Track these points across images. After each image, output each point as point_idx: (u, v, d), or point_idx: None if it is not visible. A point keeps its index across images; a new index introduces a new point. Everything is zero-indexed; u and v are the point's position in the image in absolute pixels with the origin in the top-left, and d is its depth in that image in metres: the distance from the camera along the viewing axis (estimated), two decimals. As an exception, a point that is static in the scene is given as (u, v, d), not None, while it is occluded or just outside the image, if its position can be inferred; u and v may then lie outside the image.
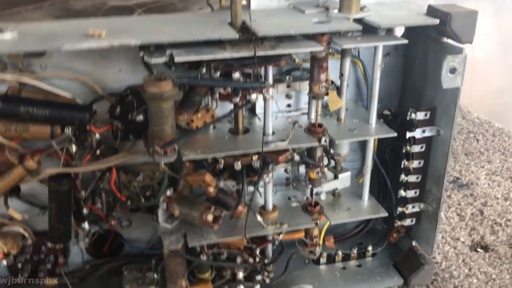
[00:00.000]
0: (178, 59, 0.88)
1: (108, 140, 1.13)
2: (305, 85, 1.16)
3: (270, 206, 1.13)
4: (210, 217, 1.04)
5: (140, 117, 1.09)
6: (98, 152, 1.10)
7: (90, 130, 1.07)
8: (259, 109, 1.15)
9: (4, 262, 1.18)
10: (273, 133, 1.06)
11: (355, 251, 1.33)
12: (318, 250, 1.19)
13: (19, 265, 1.19)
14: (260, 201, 1.16)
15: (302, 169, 1.14)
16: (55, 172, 1.06)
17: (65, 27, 0.96)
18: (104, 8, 3.55)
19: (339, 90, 1.11)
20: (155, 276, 1.18)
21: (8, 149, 1.02)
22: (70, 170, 1.07)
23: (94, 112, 1.04)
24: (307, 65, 1.07)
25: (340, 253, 1.33)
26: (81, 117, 1.00)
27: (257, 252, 1.14)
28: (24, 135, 1.02)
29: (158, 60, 0.89)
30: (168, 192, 1.09)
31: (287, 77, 1.14)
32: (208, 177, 1.01)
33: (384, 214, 1.18)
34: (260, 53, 0.91)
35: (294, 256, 1.24)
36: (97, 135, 1.08)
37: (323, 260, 1.32)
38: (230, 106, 1.07)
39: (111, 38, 0.87)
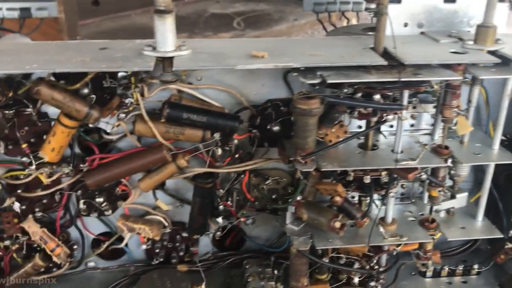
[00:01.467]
0: (330, 80, 0.99)
1: (245, 146, 1.25)
2: (428, 107, 1.23)
3: (390, 219, 1.21)
4: (337, 224, 1.13)
5: (277, 128, 1.21)
6: (236, 156, 1.23)
7: (232, 136, 1.20)
8: (383, 127, 1.23)
9: (144, 247, 1.35)
10: (401, 151, 1.14)
11: (460, 268, 1.38)
12: (430, 263, 1.26)
13: (156, 251, 1.34)
14: (374, 212, 1.25)
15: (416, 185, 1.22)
16: (202, 171, 1.20)
17: (227, 47, 1.09)
18: (205, 15, 3.77)
19: (465, 116, 1.17)
20: (275, 272, 1.29)
21: (164, 148, 1.17)
22: (215, 170, 1.20)
23: (241, 121, 1.17)
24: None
25: (446, 268, 1.38)
26: (232, 126, 1.13)
27: (375, 260, 1.22)
28: (180, 137, 1.17)
29: (312, 81, 1.00)
30: (298, 197, 1.19)
31: (414, 99, 1.22)
32: (340, 188, 1.12)
33: (499, 235, 1.23)
34: (404, 79, 1.00)
35: (402, 267, 1.32)
36: (236, 141, 1.21)
37: (429, 273, 1.38)
38: (357, 123, 1.17)
39: (273, 60, 0.99)
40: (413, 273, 1.39)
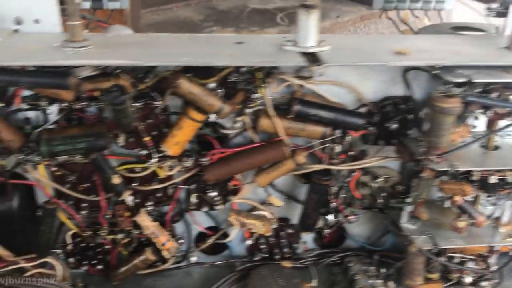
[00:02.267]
0: (476, 80, 0.98)
1: (356, 143, 1.25)
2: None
3: (506, 219, 1.21)
4: (461, 224, 1.13)
5: (395, 126, 1.20)
6: (351, 153, 1.23)
7: (348, 133, 1.20)
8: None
9: (249, 242, 1.34)
10: (526, 151, 1.13)
11: None
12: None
13: (262, 246, 1.33)
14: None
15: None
16: (321, 168, 1.20)
17: (362, 43, 1.08)
18: (246, 10, 3.75)
19: None
20: (381, 270, 1.29)
21: (284, 144, 1.16)
22: (334, 167, 1.20)
23: (366, 119, 1.16)
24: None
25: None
26: (358, 123, 1.13)
27: (490, 260, 1.22)
28: (300, 133, 1.16)
29: (457, 79, 1.00)
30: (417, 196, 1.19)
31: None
32: (468, 188, 1.11)
33: None
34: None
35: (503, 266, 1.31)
36: (350, 138, 1.21)
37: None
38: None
39: (418, 57, 0.98)
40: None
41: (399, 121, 1.20)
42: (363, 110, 1.20)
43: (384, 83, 1.20)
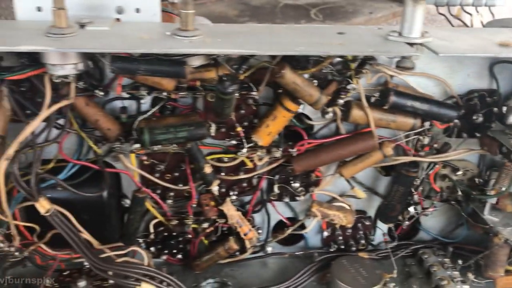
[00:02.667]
0: None
1: (438, 135, 1.25)
2: None
3: None
4: (550, 216, 1.14)
5: (480, 119, 1.21)
6: (435, 145, 1.24)
7: (433, 124, 1.20)
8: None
9: (325, 234, 1.35)
10: None
11: None
12: None
13: (340, 238, 1.34)
14: None
15: None
16: (409, 160, 1.20)
17: (457, 35, 1.08)
18: (279, 6, 3.76)
19: None
20: (459, 262, 1.30)
21: (374, 136, 1.17)
22: (421, 159, 1.21)
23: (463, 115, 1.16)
24: None
25: None
26: (452, 115, 1.13)
27: None
28: (391, 125, 1.17)
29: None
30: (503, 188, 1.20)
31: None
32: (560, 180, 1.12)
33: None
34: None
35: None
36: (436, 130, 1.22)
37: None
38: None
39: None
40: None
41: (484, 114, 1.21)
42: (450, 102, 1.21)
43: (470, 76, 1.21)
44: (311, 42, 0.97)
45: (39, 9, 1.05)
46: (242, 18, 3.30)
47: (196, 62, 0.97)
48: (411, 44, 1.01)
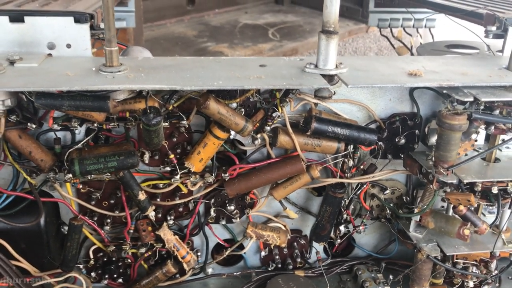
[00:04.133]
0: (483, 99, 1.07)
1: (366, 157, 1.32)
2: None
3: (505, 226, 1.30)
4: (467, 232, 1.21)
5: (403, 141, 1.28)
6: (361, 167, 1.30)
7: (359, 147, 1.27)
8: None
9: (263, 253, 1.40)
10: (524, 164, 1.23)
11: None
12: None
13: (276, 257, 1.40)
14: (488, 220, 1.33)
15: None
16: (335, 181, 1.27)
17: (376, 64, 1.16)
18: (238, 26, 3.83)
19: None
20: (390, 277, 1.37)
21: (301, 159, 1.23)
22: (347, 180, 1.27)
23: (379, 135, 1.24)
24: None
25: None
26: (371, 139, 1.20)
27: (492, 265, 1.30)
28: (316, 149, 1.23)
29: (466, 98, 1.08)
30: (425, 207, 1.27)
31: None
32: (472, 198, 1.19)
33: None
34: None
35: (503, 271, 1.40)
36: (360, 152, 1.29)
37: (526, 277, 1.47)
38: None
39: (432, 79, 1.06)
40: (510, 277, 1.47)
41: (406, 136, 1.28)
42: (373, 126, 1.28)
43: (392, 101, 1.29)
44: (231, 76, 1.03)
45: (-31, 46, 1.09)
46: (201, 38, 3.36)
47: (120, 96, 1.02)
48: (326, 76, 1.07)
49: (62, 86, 0.92)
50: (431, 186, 1.21)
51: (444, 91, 1.13)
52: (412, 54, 2.12)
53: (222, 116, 1.10)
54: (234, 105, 1.16)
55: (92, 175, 1.13)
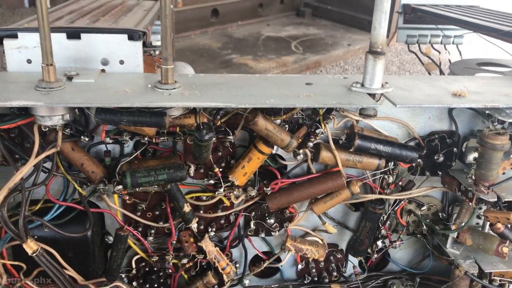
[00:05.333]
0: (528, 119, 1.09)
1: (404, 173, 1.35)
2: None
3: (542, 244, 1.31)
4: (505, 249, 1.23)
5: (441, 159, 1.30)
6: (400, 183, 1.33)
7: (398, 164, 1.30)
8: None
9: (299, 266, 1.43)
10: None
11: None
12: None
13: (313, 270, 1.42)
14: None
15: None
16: (375, 197, 1.29)
17: (420, 85, 1.18)
18: (261, 38, 3.88)
19: None
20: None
21: (342, 175, 1.26)
22: (387, 196, 1.30)
23: (421, 152, 1.26)
24: None
25: None
26: (413, 156, 1.22)
27: (528, 283, 1.32)
28: (358, 165, 1.26)
29: (508, 119, 1.10)
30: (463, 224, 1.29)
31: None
32: (511, 216, 1.21)
33: None
34: None
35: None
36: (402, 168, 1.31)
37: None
38: None
39: (476, 100, 1.09)
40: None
41: (444, 154, 1.30)
42: (413, 144, 1.30)
43: (431, 119, 1.31)
44: (281, 94, 1.06)
45: (29, 61, 1.13)
46: (226, 50, 3.40)
47: (175, 112, 1.05)
48: (372, 95, 1.10)
49: (123, 103, 0.96)
50: (470, 203, 1.23)
51: (486, 111, 1.15)
52: (440, 70, 2.14)
53: (269, 132, 1.14)
54: (279, 121, 1.20)
55: (141, 187, 1.17)
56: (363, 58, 3.59)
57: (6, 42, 1.11)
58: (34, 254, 1.08)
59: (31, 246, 1.07)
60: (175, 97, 1.00)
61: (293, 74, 3.09)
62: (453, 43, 2.22)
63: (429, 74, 2.25)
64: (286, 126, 1.21)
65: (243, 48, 3.43)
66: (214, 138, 1.17)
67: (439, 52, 2.22)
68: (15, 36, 1.11)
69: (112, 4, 1.72)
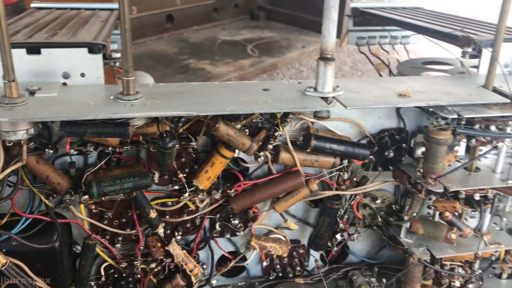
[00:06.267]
0: (466, 116, 1.19)
1: (358, 170, 1.43)
2: None
3: (486, 229, 1.42)
4: (453, 236, 1.33)
5: (392, 154, 1.40)
6: (354, 179, 1.41)
7: (352, 161, 1.38)
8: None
9: (264, 264, 1.49)
10: (501, 172, 1.35)
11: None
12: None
13: (277, 267, 1.48)
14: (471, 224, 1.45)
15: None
16: (331, 194, 1.37)
17: (369, 87, 1.27)
18: (218, 42, 3.92)
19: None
20: (384, 280, 1.47)
21: (301, 174, 1.33)
22: (343, 192, 1.37)
23: (372, 149, 1.34)
24: None
25: (519, 271, 1.60)
26: (365, 154, 1.31)
27: (476, 265, 1.42)
28: (315, 164, 1.33)
29: (450, 116, 1.20)
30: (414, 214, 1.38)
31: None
32: (458, 205, 1.31)
33: None
34: (521, 113, 1.21)
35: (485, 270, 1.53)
36: (353, 166, 1.39)
37: (504, 275, 1.59)
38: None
39: (420, 99, 1.18)
40: (490, 276, 1.60)
41: (395, 150, 1.39)
42: (364, 141, 1.38)
43: (381, 117, 1.40)
44: (240, 100, 1.12)
45: (-12, 77, 1.14)
46: (182, 55, 3.43)
47: (138, 122, 1.09)
48: (325, 98, 1.18)
49: (88, 115, 0.99)
50: (419, 195, 1.33)
51: (430, 109, 1.25)
52: (390, 69, 2.26)
53: (230, 137, 1.19)
54: (239, 126, 1.25)
55: (108, 196, 1.20)
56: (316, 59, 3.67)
57: (-36, 59, 1.12)
58: (3, 268, 1.09)
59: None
60: (138, 108, 1.04)
61: (251, 77, 3.15)
62: (400, 43, 2.34)
63: (379, 73, 2.36)
64: (247, 130, 1.27)
65: (199, 53, 3.47)
66: (177, 145, 1.22)
67: (388, 52, 2.33)
68: (-26, 53, 1.12)
69: (68, 15, 1.73)
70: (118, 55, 1.23)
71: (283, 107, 1.10)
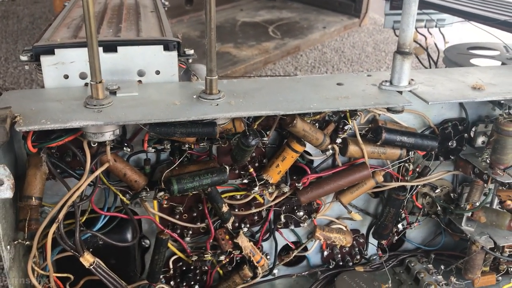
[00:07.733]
0: (540, 108, 1.20)
1: (419, 160, 1.44)
2: None
3: (546, 216, 1.44)
4: (517, 224, 1.35)
5: (454, 144, 1.41)
6: (417, 169, 1.42)
7: (415, 152, 1.39)
8: None
9: (325, 253, 1.51)
10: None
11: None
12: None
13: (339, 256, 1.51)
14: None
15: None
16: (397, 185, 1.38)
17: (440, 79, 1.26)
18: (238, 24, 3.87)
19: None
20: (442, 267, 1.50)
21: (368, 167, 1.34)
22: (408, 183, 1.39)
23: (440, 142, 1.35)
24: None
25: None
26: (433, 145, 1.32)
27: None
28: (382, 156, 1.34)
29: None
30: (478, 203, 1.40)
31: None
32: (523, 194, 1.33)
33: None
34: None
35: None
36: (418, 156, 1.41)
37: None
38: None
39: (492, 92, 1.18)
40: None
41: (456, 139, 1.40)
42: (427, 132, 1.39)
43: (444, 108, 1.40)
44: (320, 97, 1.12)
45: (66, 77, 1.13)
46: (205, 39, 3.39)
47: (222, 121, 1.09)
48: (401, 92, 1.18)
49: (180, 117, 0.99)
50: (481, 184, 1.34)
51: (502, 101, 1.25)
52: (428, 53, 2.25)
53: (306, 133, 1.19)
54: (308, 121, 1.25)
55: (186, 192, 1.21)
56: (338, 40, 3.65)
57: (44, 58, 1.11)
58: (91, 266, 1.11)
59: (87, 259, 1.10)
60: (224, 107, 1.04)
61: (276, 60, 3.12)
62: (436, 26, 2.33)
63: (417, 57, 2.35)
64: (316, 124, 1.27)
65: (222, 36, 3.44)
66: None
67: (425, 36, 2.32)
68: (52, 53, 1.12)
69: (112, 5, 1.71)
70: (192, 51, 1.22)
71: (366, 103, 1.10)
